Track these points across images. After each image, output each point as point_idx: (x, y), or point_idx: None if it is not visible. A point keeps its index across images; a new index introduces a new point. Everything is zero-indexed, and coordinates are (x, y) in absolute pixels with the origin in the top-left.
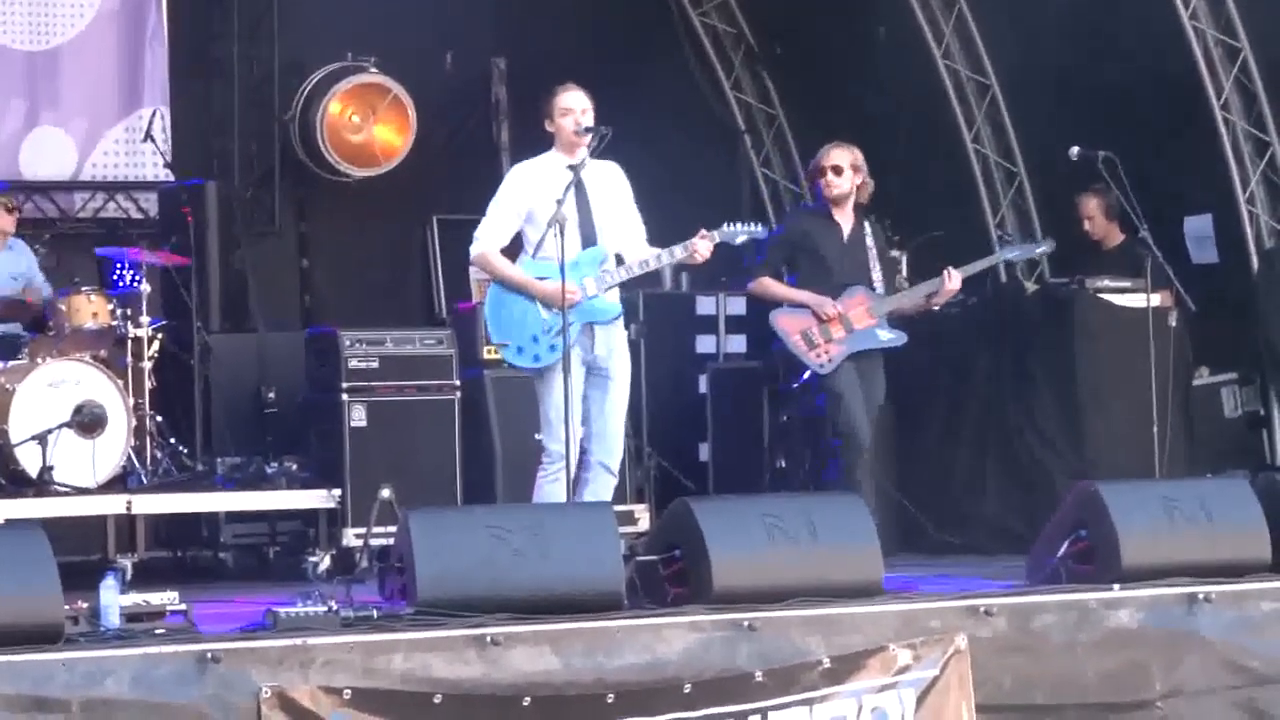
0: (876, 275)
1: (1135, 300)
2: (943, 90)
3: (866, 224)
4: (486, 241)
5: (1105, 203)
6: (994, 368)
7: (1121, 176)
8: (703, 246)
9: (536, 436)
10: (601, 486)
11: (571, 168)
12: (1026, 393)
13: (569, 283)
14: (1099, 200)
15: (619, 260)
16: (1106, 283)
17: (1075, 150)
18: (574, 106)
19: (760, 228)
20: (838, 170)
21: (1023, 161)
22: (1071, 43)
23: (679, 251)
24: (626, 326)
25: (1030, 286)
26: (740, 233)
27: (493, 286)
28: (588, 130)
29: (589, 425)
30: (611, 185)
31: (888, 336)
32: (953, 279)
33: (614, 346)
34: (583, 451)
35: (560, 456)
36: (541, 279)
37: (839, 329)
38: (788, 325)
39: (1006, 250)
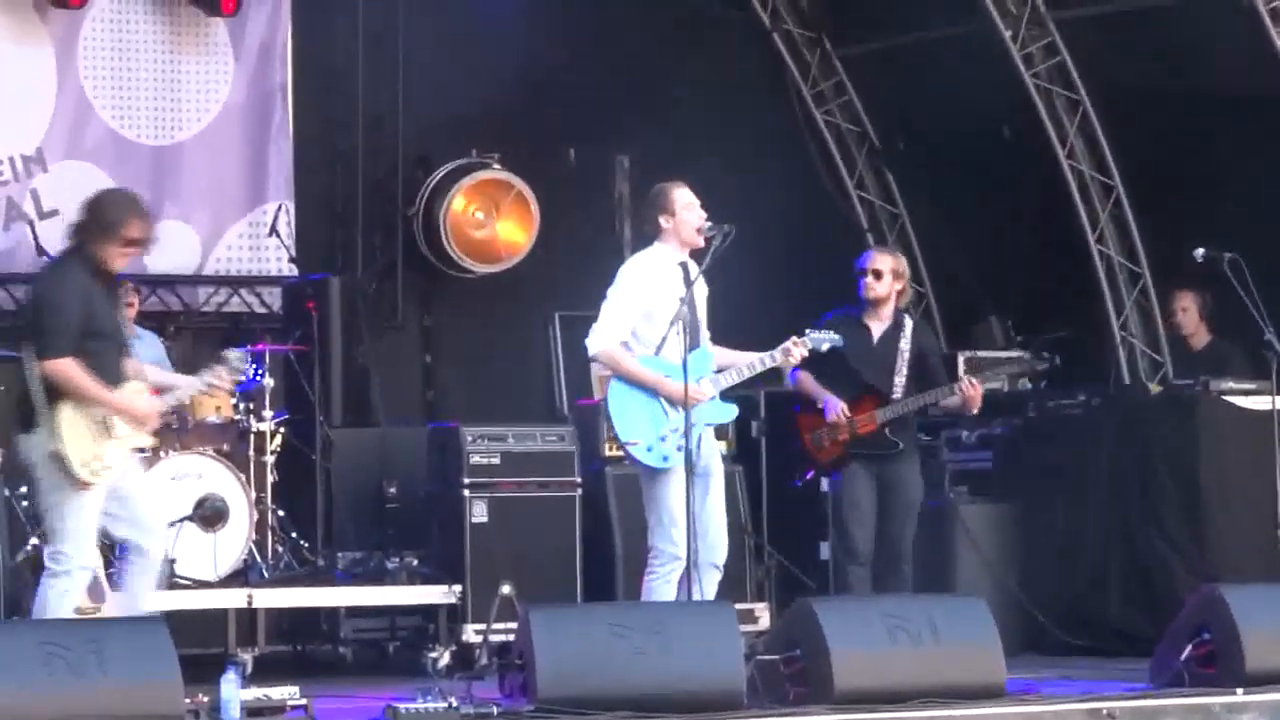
0: (899, 380)
1: (1260, 402)
2: (1066, 190)
3: (907, 326)
4: (610, 337)
5: (1201, 300)
6: (1117, 468)
7: (1247, 278)
8: (796, 353)
9: None
10: (709, 583)
11: (682, 265)
12: (1150, 494)
13: (694, 386)
14: (1195, 294)
15: None
16: (1230, 384)
17: (1200, 251)
18: (695, 202)
19: (839, 336)
20: (878, 275)
21: (1147, 262)
22: (1197, 145)
23: (778, 356)
24: (749, 424)
25: (1154, 388)
26: (824, 340)
27: (615, 383)
28: (712, 227)
29: (694, 523)
30: (700, 286)
31: (888, 442)
32: (975, 386)
33: (712, 445)
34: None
35: (671, 557)
36: (667, 377)
37: (844, 432)
38: (803, 423)
39: (1009, 364)
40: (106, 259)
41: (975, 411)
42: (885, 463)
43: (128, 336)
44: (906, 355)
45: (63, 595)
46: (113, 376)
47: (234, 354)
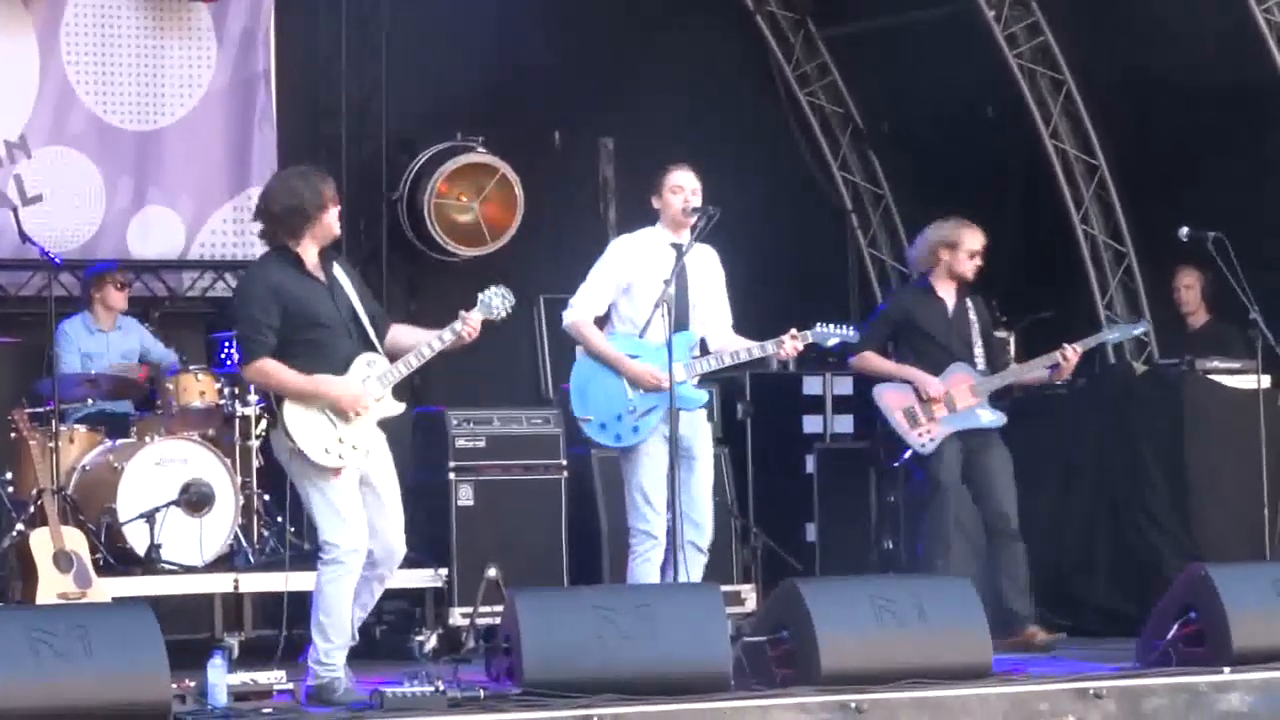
0: (979, 352)
1: (1245, 381)
2: (1051, 170)
3: (969, 300)
4: (582, 310)
5: (1204, 278)
6: (1103, 449)
7: (1231, 257)
8: (790, 346)
9: None
10: (693, 566)
11: (675, 246)
12: (1136, 474)
13: (658, 368)
14: (1199, 273)
15: (703, 348)
16: (1216, 364)
17: (1185, 230)
18: (685, 185)
19: (852, 330)
20: (974, 254)
21: (1131, 242)
22: (1181, 125)
23: (770, 347)
24: (734, 406)
25: (1139, 367)
26: (831, 335)
27: (581, 358)
28: (695, 210)
29: (677, 506)
30: (709, 268)
31: (989, 417)
32: (1076, 352)
33: (698, 427)
34: (671, 532)
35: (646, 536)
36: (632, 356)
37: (941, 408)
38: (891, 401)
39: (1110, 330)
40: (320, 233)
41: (1061, 381)
42: (975, 438)
43: (358, 314)
44: (977, 327)
45: (336, 582)
46: (338, 360)
47: (487, 292)
